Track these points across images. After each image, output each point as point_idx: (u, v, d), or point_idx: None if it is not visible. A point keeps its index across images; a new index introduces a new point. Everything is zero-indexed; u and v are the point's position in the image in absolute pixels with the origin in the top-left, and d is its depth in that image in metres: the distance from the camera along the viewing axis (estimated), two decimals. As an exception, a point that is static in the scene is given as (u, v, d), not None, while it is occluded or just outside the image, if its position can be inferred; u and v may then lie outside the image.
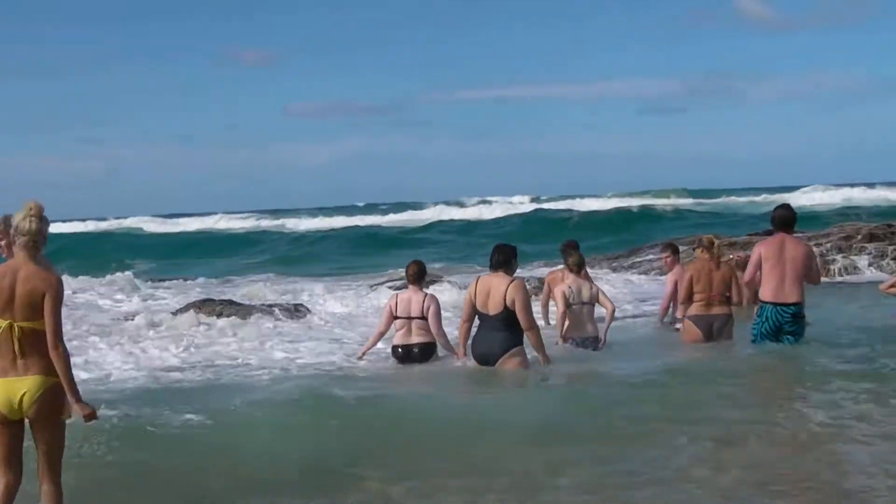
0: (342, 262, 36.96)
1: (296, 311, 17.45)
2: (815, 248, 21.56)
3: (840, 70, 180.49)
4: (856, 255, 21.84)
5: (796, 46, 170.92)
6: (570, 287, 12.27)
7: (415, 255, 18.13)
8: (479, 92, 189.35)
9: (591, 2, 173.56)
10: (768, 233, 11.58)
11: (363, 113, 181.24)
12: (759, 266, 11.11)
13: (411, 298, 11.78)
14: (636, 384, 10.21)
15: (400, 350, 11.83)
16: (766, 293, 11.10)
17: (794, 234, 11.57)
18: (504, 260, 10.65)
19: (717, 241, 12.64)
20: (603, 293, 12.59)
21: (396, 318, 11.82)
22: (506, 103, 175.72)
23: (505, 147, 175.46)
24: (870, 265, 21.36)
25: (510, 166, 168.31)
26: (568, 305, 12.18)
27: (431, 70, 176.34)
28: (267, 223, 70.63)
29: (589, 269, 20.96)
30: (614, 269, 22.28)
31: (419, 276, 11.96)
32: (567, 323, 12.23)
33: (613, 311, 12.57)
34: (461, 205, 77.07)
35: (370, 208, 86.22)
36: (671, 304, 14.01)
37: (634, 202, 71.78)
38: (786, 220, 11.26)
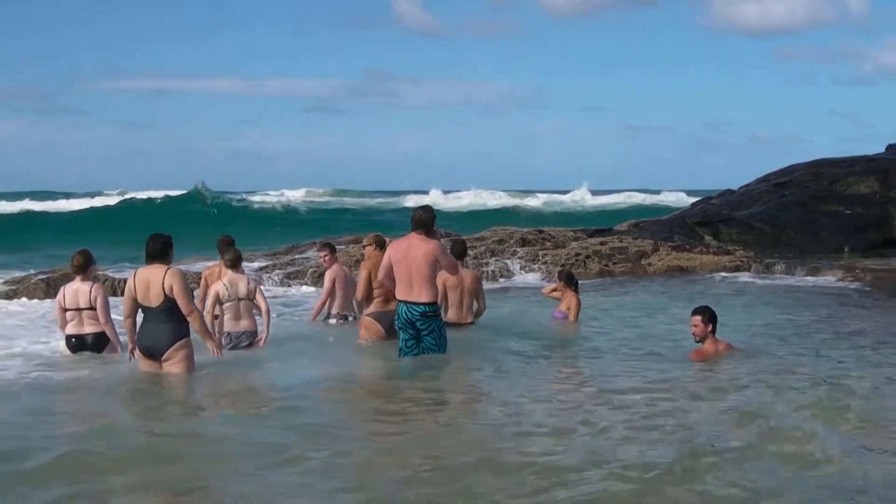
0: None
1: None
2: (469, 251, 22.16)
3: (492, 78, 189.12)
4: (508, 258, 22.31)
5: (450, 53, 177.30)
6: (225, 284, 12.17)
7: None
8: (137, 82, 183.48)
9: (250, 1, 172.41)
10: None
11: (14, 98, 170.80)
12: (389, 267, 11.20)
13: (78, 289, 11.72)
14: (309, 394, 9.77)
15: (73, 340, 11.75)
16: (398, 292, 11.22)
17: (432, 234, 11.43)
18: (160, 249, 10.23)
19: (388, 239, 12.62)
20: (261, 291, 12.41)
21: (66, 309, 11.73)
22: (165, 95, 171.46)
23: (164, 139, 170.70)
24: (522, 269, 21.86)
25: (169, 158, 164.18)
26: (222, 302, 12.10)
27: (86, 56, 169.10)
28: None
29: (249, 264, 20.53)
30: (275, 267, 21.60)
31: (84, 266, 11.82)
32: (223, 318, 12.13)
33: (268, 310, 12.34)
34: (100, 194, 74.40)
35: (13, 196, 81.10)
36: (327, 301, 14.05)
37: (293, 198, 72.12)
38: (420, 220, 11.29)
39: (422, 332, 11.10)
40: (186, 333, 10.22)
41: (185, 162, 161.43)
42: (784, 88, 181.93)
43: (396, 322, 11.25)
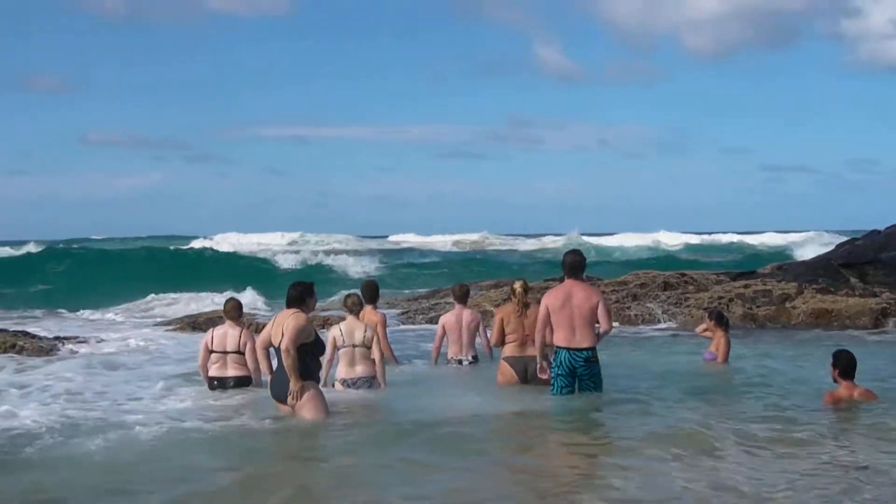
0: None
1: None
2: (611, 296, 22.18)
3: (631, 122, 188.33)
4: (651, 302, 22.25)
5: (590, 97, 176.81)
6: (340, 330, 12.15)
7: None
8: (279, 130, 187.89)
9: (387, 48, 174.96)
10: (562, 278, 11.63)
11: (159, 146, 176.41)
12: (547, 318, 11.22)
13: (227, 333, 12.19)
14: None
15: (216, 382, 12.13)
16: (559, 339, 11.21)
17: (584, 280, 11.60)
18: (296, 296, 10.56)
19: (517, 287, 12.61)
20: (377, 341, 12.21)
21: (212, 352, 12.15)
22: (304, 143, 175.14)
23: (303, 186, 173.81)
24: (664, 312, 21.76)
25: (308, 204, 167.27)
26: (337, 347, 12.10)
27: (229, 105, 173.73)
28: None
29: (389, 310, 21.02)
30: (417, 312, 22.00)
31: (236, 313, 12.33)
32: (339, 363, 12.11)
33: (381, 359, 12.20)
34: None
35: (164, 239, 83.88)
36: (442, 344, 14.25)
37: (439, 243, 72.93)
38: (575, 265, 11.38)
39: (581, 377, 11.22)
40: (311, 377, 10.35)
41: (322, 206, 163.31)
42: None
43: (557, 370, 11.24)
